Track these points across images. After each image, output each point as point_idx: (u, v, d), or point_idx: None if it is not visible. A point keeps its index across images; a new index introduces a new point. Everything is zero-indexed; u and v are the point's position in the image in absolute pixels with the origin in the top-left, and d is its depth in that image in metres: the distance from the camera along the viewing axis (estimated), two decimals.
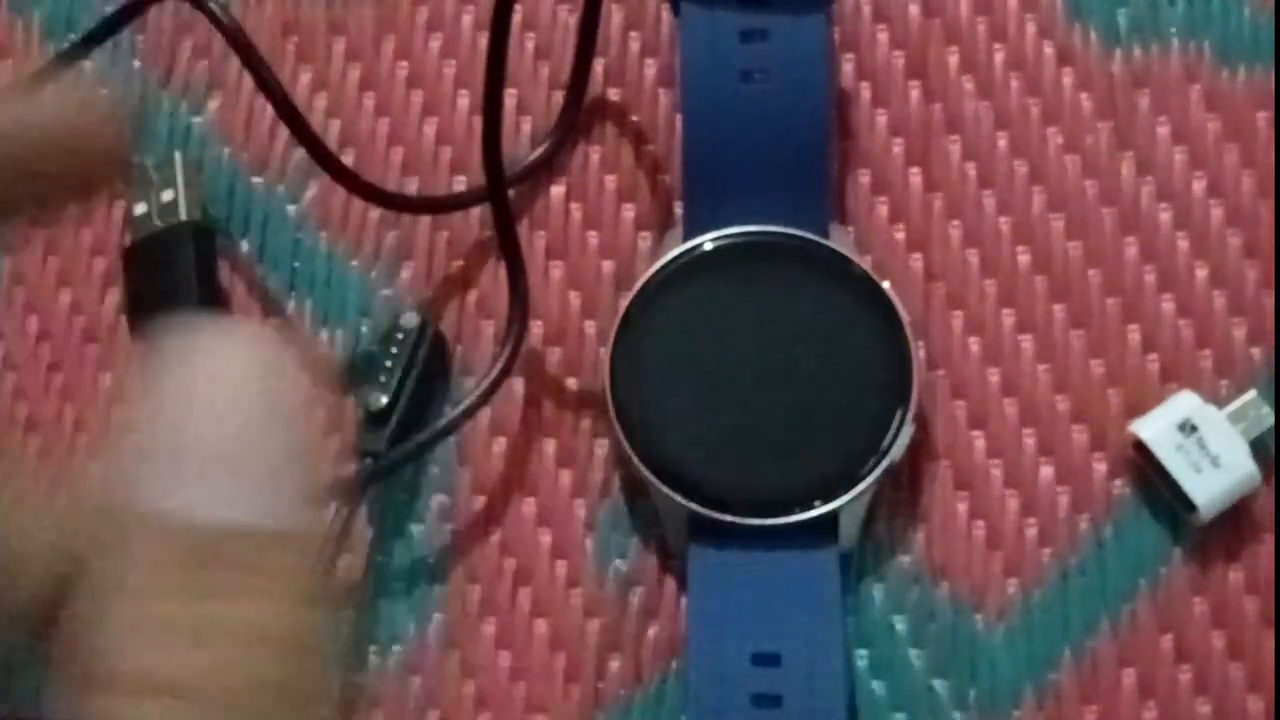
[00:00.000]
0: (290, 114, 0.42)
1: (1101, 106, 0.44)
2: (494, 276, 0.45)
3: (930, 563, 0.42)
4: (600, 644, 0.42)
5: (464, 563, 0.43)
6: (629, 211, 0.45)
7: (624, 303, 0.42)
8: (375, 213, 0.45)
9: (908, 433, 0.40)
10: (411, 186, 0.46)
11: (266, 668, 0.17)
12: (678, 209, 0.44)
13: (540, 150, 0.45)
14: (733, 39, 0.41)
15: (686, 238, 0.42)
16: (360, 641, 0.42)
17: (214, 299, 0.45)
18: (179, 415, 0.17)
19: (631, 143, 0.46)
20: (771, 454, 0.40)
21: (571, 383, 0.44)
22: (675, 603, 0.42)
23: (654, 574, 0.43)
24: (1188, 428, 0.41)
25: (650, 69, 0.46)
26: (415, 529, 0.43)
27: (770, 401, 0.40)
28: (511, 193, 0.44)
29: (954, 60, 0.45)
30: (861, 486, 0.40)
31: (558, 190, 0.45)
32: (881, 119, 0.45)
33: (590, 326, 0.44)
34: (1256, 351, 0.43)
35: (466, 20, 0.47)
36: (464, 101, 0.46)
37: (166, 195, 0.45)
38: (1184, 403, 0.41)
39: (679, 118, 0.43)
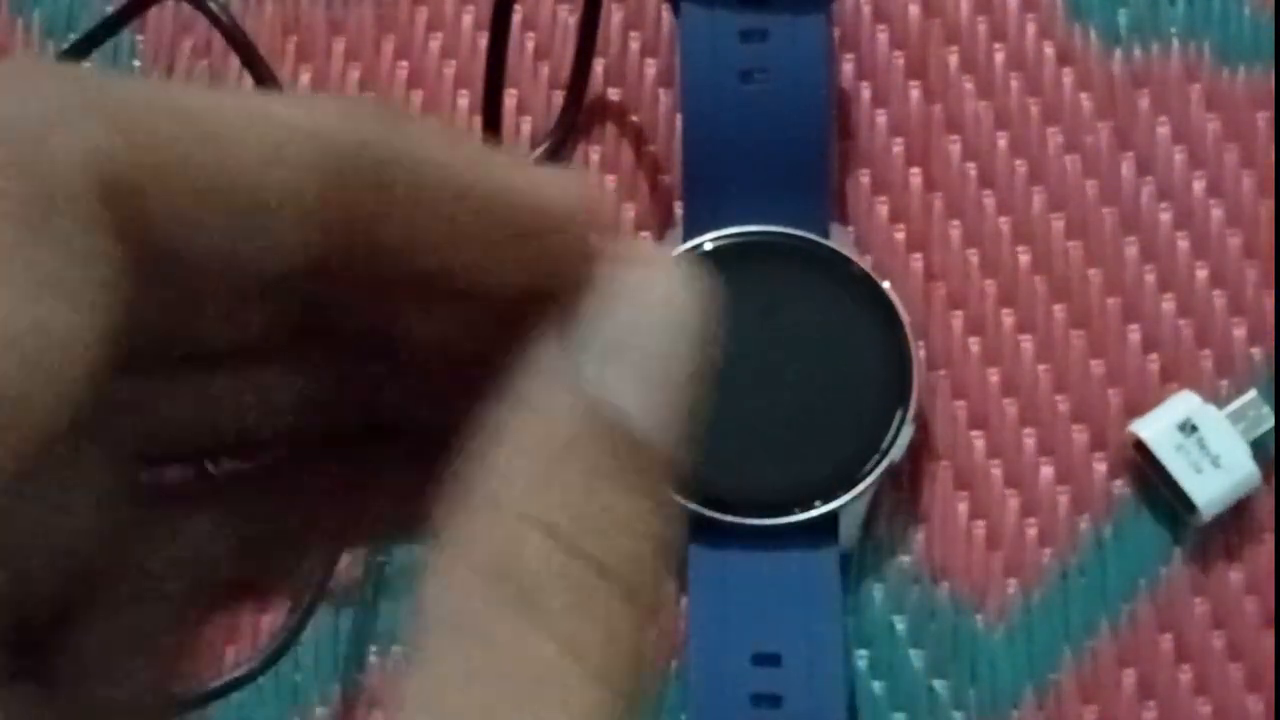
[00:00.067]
0: None
1: (1101, 106, 0.44)
2: None
3: (930, 563, 0.42)
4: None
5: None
6: (629, 211, 0.45)
7: None
8: None
9: (908, 433, 0.40)
10: None
11: (638, 560, 0.17)
12: (678, 209, 0.44)
13: (540, 150, 0.45)
14: (733, 39, 0.41)
15: (686, 238, 0.42)
16: (360, 641, 0.42)
17: None
18: (633, 317, 0.18)
19: (631, 143, 0.46)
20: (771, 454, 0.40)
21: None
22: (675, 603, 0.42)
23: None
24: (1188, 428, 0.41)
25: (650, 69, 0.46)
26: None
27: (770, 401, 0.40)
28: None
29: (954, 60, 0.45)
30: (861, 486, 0.40)
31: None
32: (881, 119, 0.45)
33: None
34: (1256, 351, 0.43)
35: (466, 20, 0.47)
36: (464, 101, 0.46)
37: None
38: (1184, 403, 0.41)
39: (679, 118, 0.43)
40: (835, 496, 0.40)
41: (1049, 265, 0.44)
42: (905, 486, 0.43)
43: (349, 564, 0.43)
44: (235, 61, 0.44)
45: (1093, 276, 0.43)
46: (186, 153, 0.16)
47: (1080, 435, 0.43)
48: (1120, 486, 0.42)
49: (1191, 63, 0.45)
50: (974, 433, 0.43)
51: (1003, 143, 0.44)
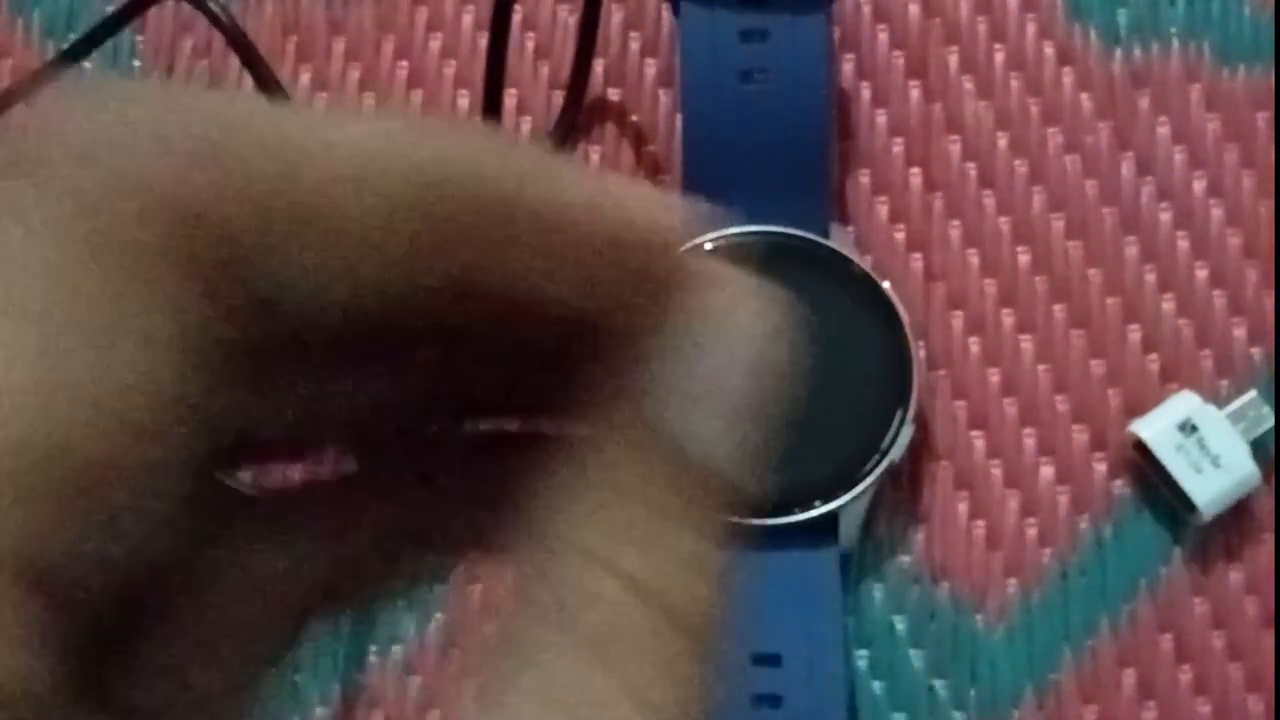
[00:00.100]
0: None
1: (1101, 106, 0.44)
2: None
3: (930, 563, 0.42)
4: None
5: (464, 562, 0.43)
6: None
7: None
8: None
9: (908, 433, 0.40)
10: None
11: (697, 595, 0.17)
12: None
13: None
14: (733, 39, 0.41)
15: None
16: (360, 641, 0.42)
17: None
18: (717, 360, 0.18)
19: (631, 143, 0.46)
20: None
21: None
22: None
23: None
24: (1188, 428, 0.41)
25: (650, 69, 0.46)
26: None
27: None
28: None
29: (954, 60, 0.45)
30: (861, 486, 0.40)
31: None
32: (881, 119, 0.45)
33: None
34: (1256, 351, 0.43)
35: (466, 20, 0.47)
36: (464, 101, 0.46)
37: None
38: (1184, 403, 0.41)
39: (679, 118, 0.43)
40: (835, 496, 0.40)
41: (1049, 265, 0.44)
42: (905, 486, 0.42)
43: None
44: (235, 61, 0.44)
45: (1093, 276, 0.43)
46: (281, 189, 0.16)
47: (1080, 435, 0.43)
48: (1120, 486, 0.42)
49: (1191, 63, 0.45)
50: (974, 433, 0.43)
51: (1003, 143, 0.44)
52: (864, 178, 0.45)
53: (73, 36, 0.46)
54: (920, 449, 0.42)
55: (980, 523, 0.42)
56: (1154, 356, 0.43)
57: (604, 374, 0.17)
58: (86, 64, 0.46)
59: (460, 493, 0.20)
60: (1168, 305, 0.43)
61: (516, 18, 0.43)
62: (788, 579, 0.40)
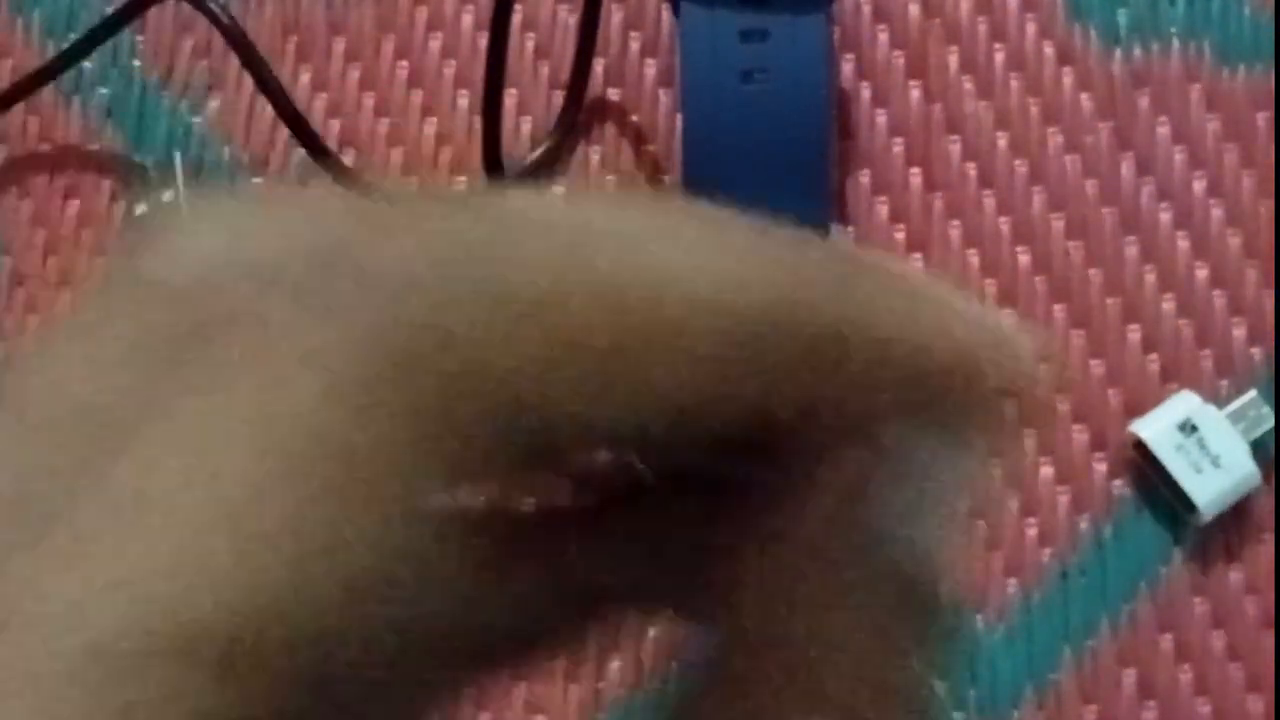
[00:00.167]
0: (290, 114, 0.42)
1: (1101, 106, 0.44)
2: None
3: None
4: (600, 644, 0.42)
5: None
6: None
7: None
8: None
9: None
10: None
11: None
12: None
13: (540, 150, 0.45)
14: (733, 39, 0.41)
15: None
16: None
17: None
18: None
19: (631, 143, 0.46)
20: None
21: None
22: None
23: None
24: (1188, 428, 0.41)
25: (650, 69, 0.46)
26: None
27: None
28: None
29: (954, 60, 0.45)
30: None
31: (558, 190, 0.45)
32: (881, 119, 0.45)
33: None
34: (1256, 351, 0.43)
35: (466, 20, 0.47)
36: (464, 101, 0.46)
37: (166, 195, 0.45)
38: (1184, 403, 0.41)
39: (679, 118, 0.43)
40: None
41: (1049, 265, 0.44)
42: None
43: None
44: (235, 61, 0.44)
45: (1093, 276, 0.43)
46: (611, 331, 0.14)
47: (1080, 435, 0.43)
48: (1120, 486, 0.42)
49: (1191, 63, 0.45)
50: None
51: (1003, 143, 0.44)
52: (864, 178, 0.45)
53: (73, 36, 0.46)
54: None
55: (980, 523, 0.42)
56: (1154, 356, 0.43)
57: (832, 474, 0.17)
58: (86, 64, 0.46)
59: (675, 555, 0.19)
60: (1168, 305, 0.43)
61: (516, 18, 0.43)
62: None
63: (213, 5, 0.43)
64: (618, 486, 0.18)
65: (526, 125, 0.46)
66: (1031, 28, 0.45)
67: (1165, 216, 0.44)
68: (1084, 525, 0.42)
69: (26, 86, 0.45)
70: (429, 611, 0.15)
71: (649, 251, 0.15)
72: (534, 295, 0.14)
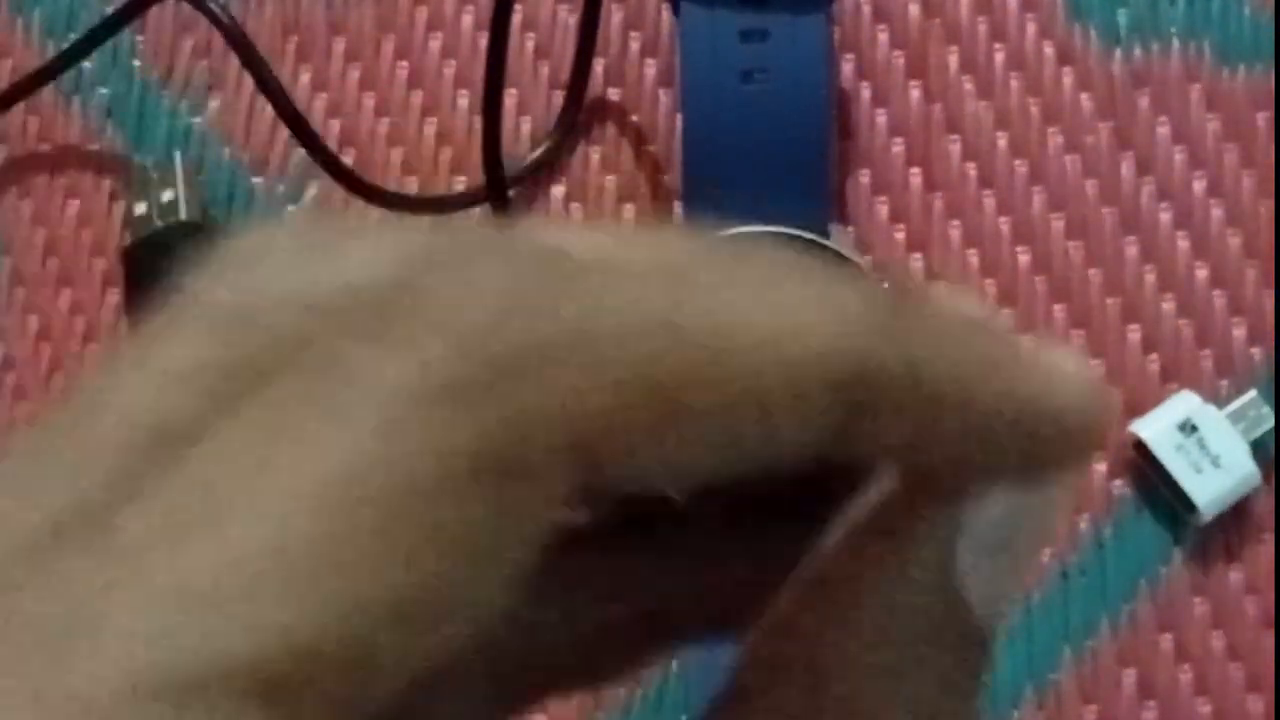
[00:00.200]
0: (290, 114, 0.42)
1: (1101, 106, 0.44)
2: None
3: None
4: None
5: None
6: (629, 211, 0.45)
7: None
8: (375, 213, 0.45)
9: None
10: (411, 186, 0.46)
11: None
12: (678, 209, 0.44)
13: (540, 150, 0.45)
14: (733, 39, 0.41)
15: None
16: None
17: None
18: None
19: (631, 143, 0.46)
20: None
21: None
22: None
23: None
24: (1188, 428, 0.41)
25: (650, 69, 0.46)
26: None
27: None
28: (511, 193, 0.44)
29: (954, 60, 0.45)
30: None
31: (558, 190, 0.45)
32: (881, 119, 0.45)
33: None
34: (1256, 351, 0.43)
35: (466, 20, 0.47)
36: (464, 101, 0.46)
37: (166, 195, 0.45)
38: (1184, 403, 0.41)
39: (679, 118, 0.43)
40: None
41: (1049, 265, 0.44)
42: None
43: None
44: (235, 61, 0.44)
45: (1093, 276, 0.43)
46: (676, 399, 0.14)
47: None
48: (1120, 486, 0.42)
49: (1191, 63, 0.45)
50: None
51: (1003, 143, 0.44)
52: (864, 178, 0.45)
53: (73, 36, 0.46)
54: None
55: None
56: (1154, 356, 0.43)
57: (906, 519, 0.17)
58: (86, 64, 0.46)
59: (722, 584, 0.19)
60: (1168, 305, 0.43)
61: (516, 18, 0.43)
62: None
63: (213, 5, 0.43)
64: (678, 516, 0.18)
65: (526, 125, 0.46)
66: (1031, 28, 0.45)
67: (1165, 216, 0.44)
68: (1084, 525, 0.42)
69: (26, 86, 0.45)
70: (486, 643, 0.15)
71: (731, 302, 0.15)
72: (614, 344, 0.14)
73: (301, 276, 0.15)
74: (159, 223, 0.45)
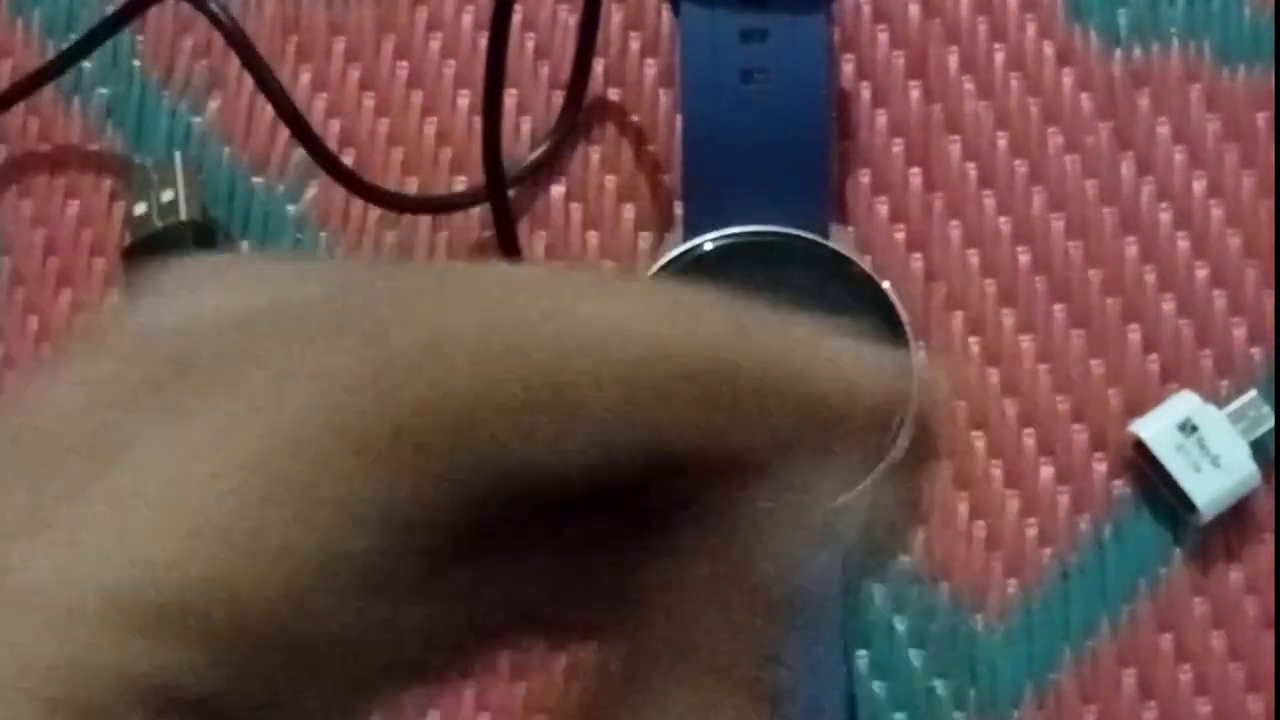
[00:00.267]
0: (290, 114, 0.42)
1: (1101, 106, 0.44)
2: None
3: (930, 563, 0.42)
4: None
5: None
6: (629, 211, 0.45)
7: None
8: (375, 213, 0.45)
9: (908, 433, 0.40)
10: (411, 186, 0.46)
11: None
12: (678, 209, 0.44)
13: (540, 150, 0.45)
14: (733, 39, 0.41)
15: (686, 238, 0.42)
16: None
17: None
18: None
19: (631, 143, 0.46)
20: None
21: None
22: None
23: None
24: (1188, 428, 0.41)
25: (650, 69, 0.46)
26: None
27: None
28: (511, 193, 0.44)
29: (954, 60, 0.45)
30: (861, 486, 0.40)
31: (558, 190, 0.45)
32: (881, 119, 0.45)
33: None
34: (1256, 351, 0.43)
35: (466, 20, 0.47)
36: (464, 101, 0.46)
37: (166, 195, 0.45)
38: (1184, 403, 0.41)
39: (679, 118, 0.43)
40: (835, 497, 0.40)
41: (1049, 265, 0.44)
42: (905, 486, 0.42)
43: None
44: (235, 61, 0.44)
45: (1093, 276, 0.43)
46: (533, 393, 0.17)
47: (1080, 435, 0.43)
48: (1120, 486, 0.42)
49: (1191, 63, 0.45)
50: (974, 433, 0.43)
51: (1003, 143, 0.44)
52: (864, 178, 0.45)
53: (73, 36, 0.46)
54: (920, 449, 0.42)
55: (980, 523, 0.42)
56: (1154, 356, 0.43)
57: (723, 499, 0.19)
58: (86, 64, 0.46)
59: (577, 577, 0.21)
60: (1168, 305, 0.43)
61: (516, 18, 0.43)
62: None
63: (213, 5, 0.43)
64: (544, 512, 0.20)
65: (526, 125, 0.46)
66: (1031, 28, 0.45)
67: (1165, 216, 0.44)
68: (1084, 525, 0.42)
69: (26, 86, 0.45)
70: (356, 619, 0.17)
71: (577, 310, 0.18)
72: (492, 342, 0.17)
73: (225, 297, 0.18)
74: (159, 223, 0.45)
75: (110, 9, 0.45)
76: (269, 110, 0.44)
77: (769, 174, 0.41)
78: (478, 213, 0.45)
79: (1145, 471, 0.42)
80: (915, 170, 0.45)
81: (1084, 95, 0.45)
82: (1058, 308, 0.43)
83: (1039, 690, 0.41)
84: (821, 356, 0.19)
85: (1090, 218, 0.44)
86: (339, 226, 0.46)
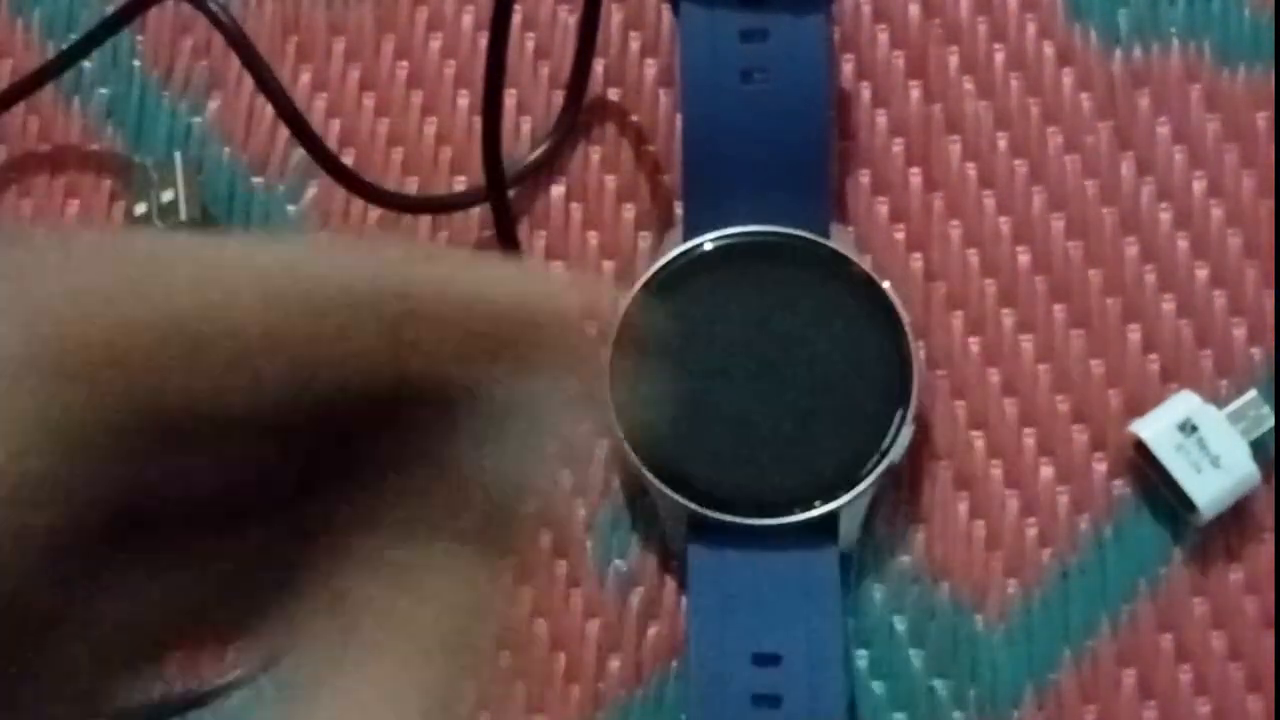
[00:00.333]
0: (290, 114, 0.42)
1: (1101, 106, 0.44)
2: None
3: (930, 563, 0.42)
4: (600, 644, 0.42)
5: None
6: (629, 211, 0.45)
7: (624, 303, 0.42)
8: (375, 213, 0.45)
9: (908, 433, 0.40)
10: (411, 186, 0.46)
11: None
12: (678, 209, 0.44)
13: (540, 150, 0.45)
14: (733, 39, 0.41)
15: (686, 238, 0.42)
16: None
17: None
18: None
19: (631, 143, 0.46)
20: (771, 454, 0.40)
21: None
22: (675, 603, 0.42)
23: (654, 574, 0.43)
24: (1188, 428, 0.41)
25: (650, 69, 0.46)
26: None
27: (770, 401, 0.40)
28: (511, 193, 0.44)
29: (954, 60, 0.45)
30: (861, 486, 0.40)
31: (558, 190, 0.45)
32: (881, 119, 0.45)
33: (590, 326, 0.44)
34: (1256, 351, 0.43)
35: (466, 20, 0.47)
36: (464, 101, 0.46)
37: (166, 195, 0.45)
38: (1184, 403, 0.41)
39: (679, 118, 0.43)
40: (835, 496, 0.40)
41: (1049, 265, 0.44)
42: (905, 486, 0.43)
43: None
44: (235, 61, 0.44)
45: (1093, 276, 0.43)
46: (178, 338, 0.18)
47: (1080, 435, 0.43)
48: (1120, 486, 0.42)
49: (1191, 63, 0.45)
50: (974, 433, 0.43)
51: (1003, 143, 0.44)
52: (864, 178, 0.45)
53: (73, 36, 0.46)
54: (920, 449, 0.42)
55: (980, 523, 0.42)
56: (1154, 356, 0.43)
57: (435, 423, 0.20)
58: (86, 64, 0.46)
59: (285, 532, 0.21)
60: (1168, 305, 0.43)
61: (516, 18, 0.43)
62: (787, 579, 0.40)
63: (213, 5, 0.43)
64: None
65: (526, 125, 0.46)
66: (1031, 28, 0.45)
67: (1165, 216, 0.44)
68: (1084, 525, 0.42)
69: (26, 86, 0.45)
70: (48, 598, 0.18)
71: (232, 265, 0.19)
72: (156, 292, 0.18)
73: None
74: (159, 223, 0.45)
75: (110, 9, 0.45)
76: (269, 110, 0.44)
77: (769, 174, 0.41)
78: (478, 213, 0.45)
79: (1145, 471, 0.42)
80: (915, 170, 0.45)
81: (1084, 95, 0.45)
82: (1058, 308, 0.43)
83: (1039, 690, 0.41)
84: (486, 273, 0.20)
85: (1090, 218, 0.44)
86: (339, 226, 0.46)
